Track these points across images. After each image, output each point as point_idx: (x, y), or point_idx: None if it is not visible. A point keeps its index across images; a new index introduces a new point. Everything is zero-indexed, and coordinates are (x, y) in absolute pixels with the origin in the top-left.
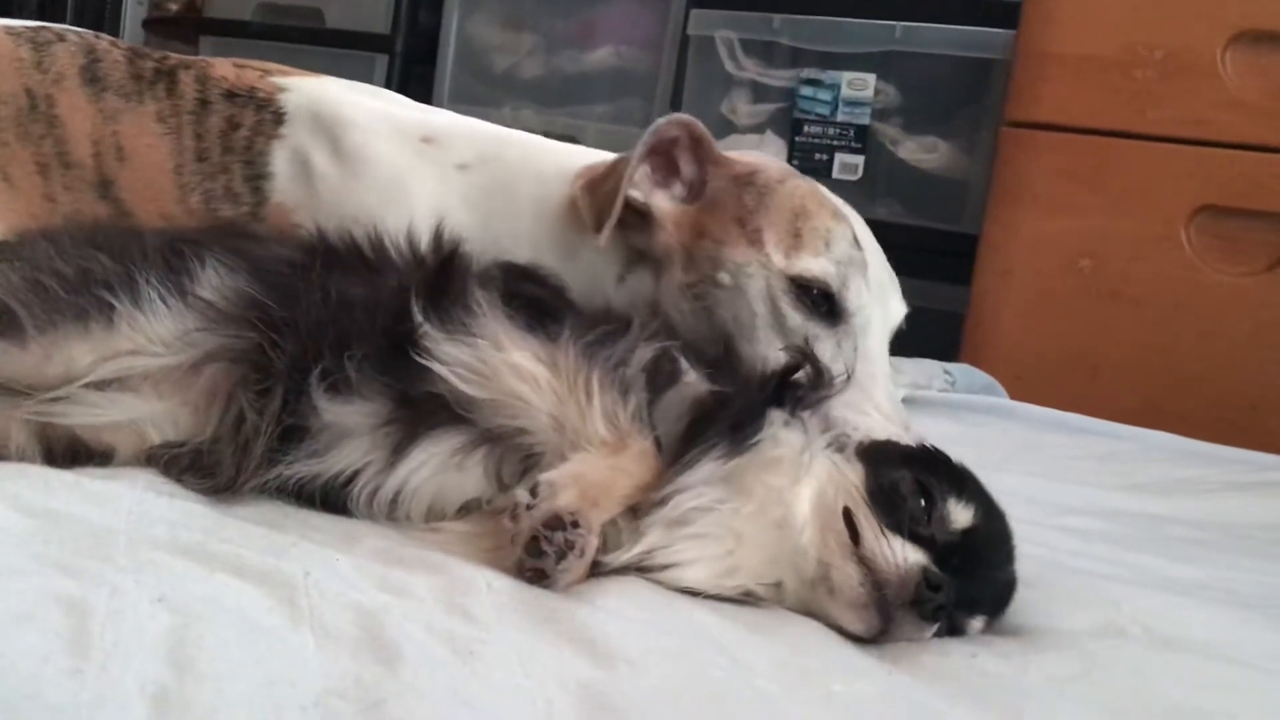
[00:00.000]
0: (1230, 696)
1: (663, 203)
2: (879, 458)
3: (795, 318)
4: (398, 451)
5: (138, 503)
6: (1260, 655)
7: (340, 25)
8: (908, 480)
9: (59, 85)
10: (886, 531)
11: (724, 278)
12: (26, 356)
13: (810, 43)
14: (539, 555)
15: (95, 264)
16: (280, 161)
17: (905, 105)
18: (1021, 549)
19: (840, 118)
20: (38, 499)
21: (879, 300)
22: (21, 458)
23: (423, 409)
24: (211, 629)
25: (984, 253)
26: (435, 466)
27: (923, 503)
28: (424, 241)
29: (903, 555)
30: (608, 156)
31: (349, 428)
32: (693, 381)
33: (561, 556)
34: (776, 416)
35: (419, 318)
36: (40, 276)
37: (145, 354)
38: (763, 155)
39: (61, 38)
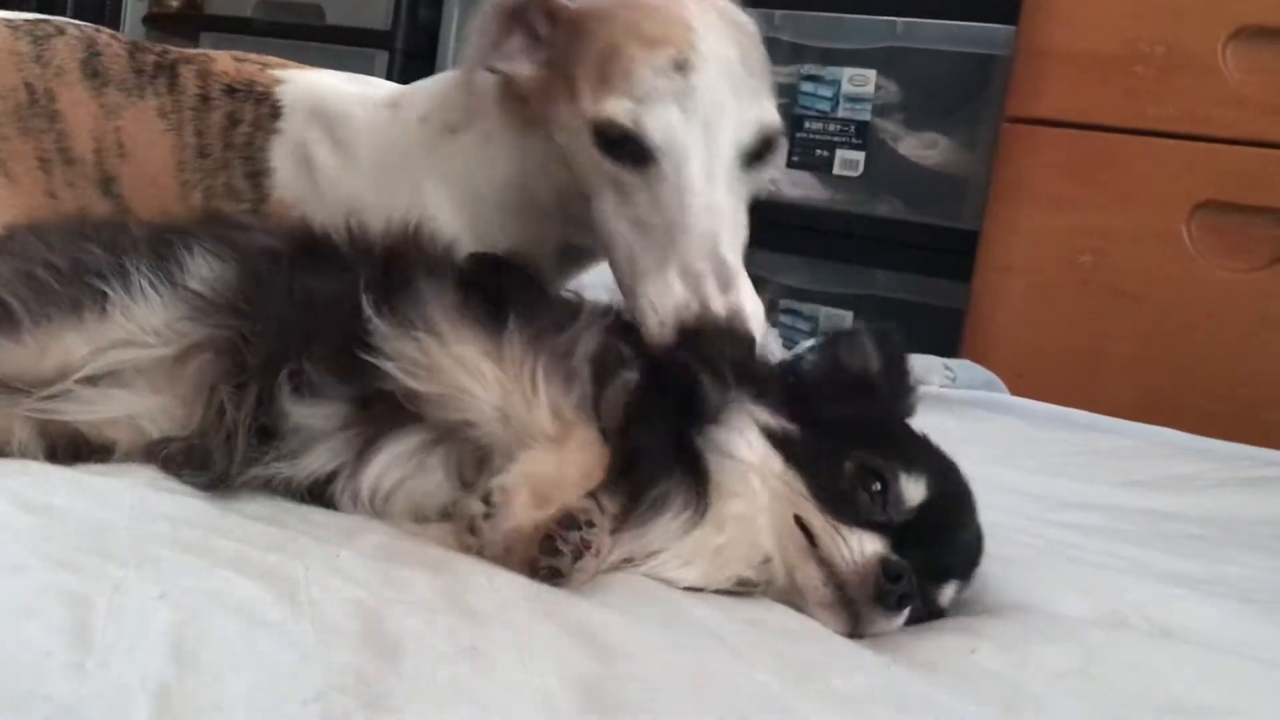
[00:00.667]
0: (1232, 690)
1: (521, 69)
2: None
3: (608, 166)
4: (362, 455)
5: (139, 499)
6: (1263, 649)
7: (340, 22)
8: (854, 467)
9: (59, 79)
10: (841, 527)
11: (559, 136)
12: (21, 350)
13: (811, 39)
14: (555, 554)
15: (87, 255)
16: (280, 157)
17: (906, 101)
18: (1022, 540)
19: (841, 114)
20: (39, 495)
21: (708, 125)
22: (24, 454)
23: (381, 409)
24: (213, 624)
25: (984, 248)
26: (400, 468)
27: (876, 487)
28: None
29: (859, 549)
30: None
31: (315, 430)
32: (634, 375)
33: (578, 556)
34: (720, 436)
35: (369, 312)
36: (33, 269)
37: (137, 344)
38: None
39: (61, 31)
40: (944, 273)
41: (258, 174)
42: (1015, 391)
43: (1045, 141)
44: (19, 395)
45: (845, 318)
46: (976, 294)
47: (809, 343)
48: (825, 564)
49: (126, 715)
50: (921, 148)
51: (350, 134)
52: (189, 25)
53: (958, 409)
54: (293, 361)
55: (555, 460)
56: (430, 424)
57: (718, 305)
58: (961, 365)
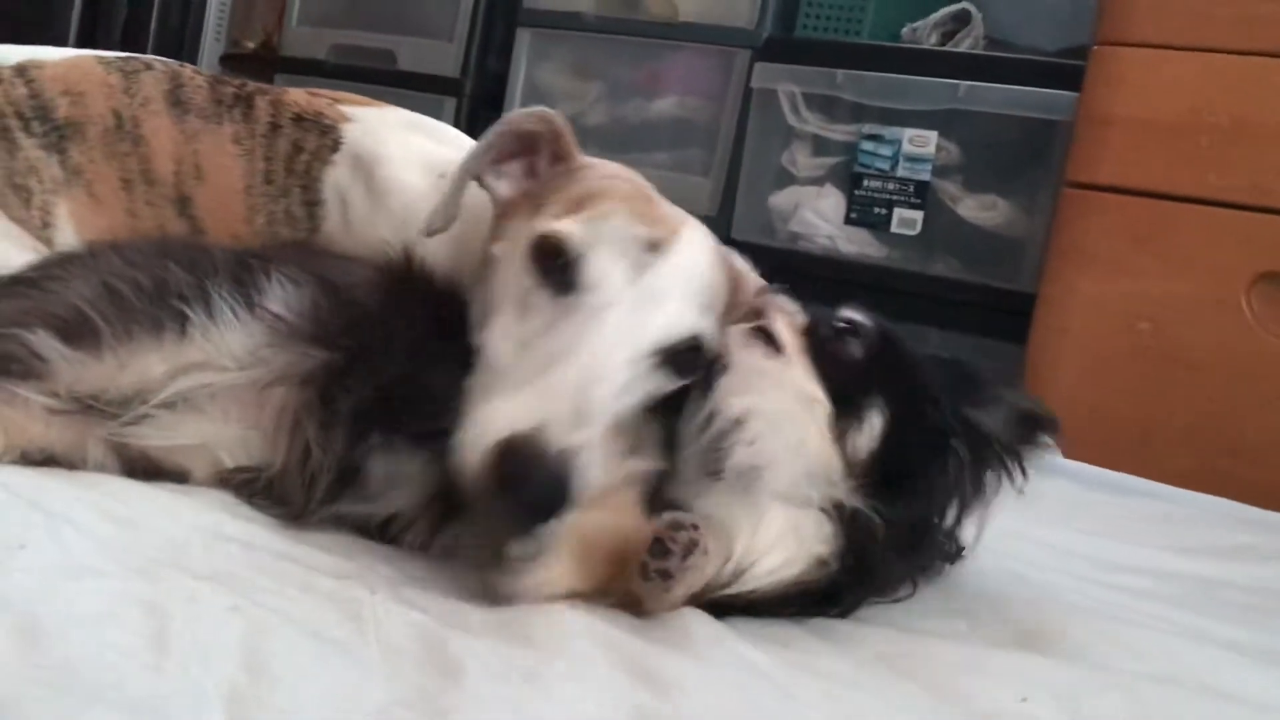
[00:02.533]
0: None
1: (502, 190)
2: None
3: (527, 279)
4: (439, 526)
5: (214, 521)
6: None
7: (412, 68)
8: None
9: (145, 108)
10: None
11: (495, 250)
12: (100, 366)
13: (873, 99)
14: (664, 555)
15: (169, 274)
16: (328, 190)
17: (966, 163)
18: (1072, 599)
19: (900, 173)
20: (119, 509)
21: (646, 302)
22: (99, 470)
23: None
24: (282, 638)
25: (1041, 312)
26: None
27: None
28: None
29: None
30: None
31: (398, 478)
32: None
33: (687, 554)
34: None
35: None
36: (117, 284)
37: (215, 368)
38: (624, 169)
39: (149, 66)
40: (1000, 334)
41: (313, 203)
42: (1069, 455)
43: (1105, 207)
44: (96, 417)
45: None
46: (1032, 357)
47: None
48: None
49: (201, 713)
50: (980, 209)
51: (386, 183)
52: (264, 66)
53: None
54: (386, 423)
55: (598, 522)
56: None
57: (553, 435)
58: None
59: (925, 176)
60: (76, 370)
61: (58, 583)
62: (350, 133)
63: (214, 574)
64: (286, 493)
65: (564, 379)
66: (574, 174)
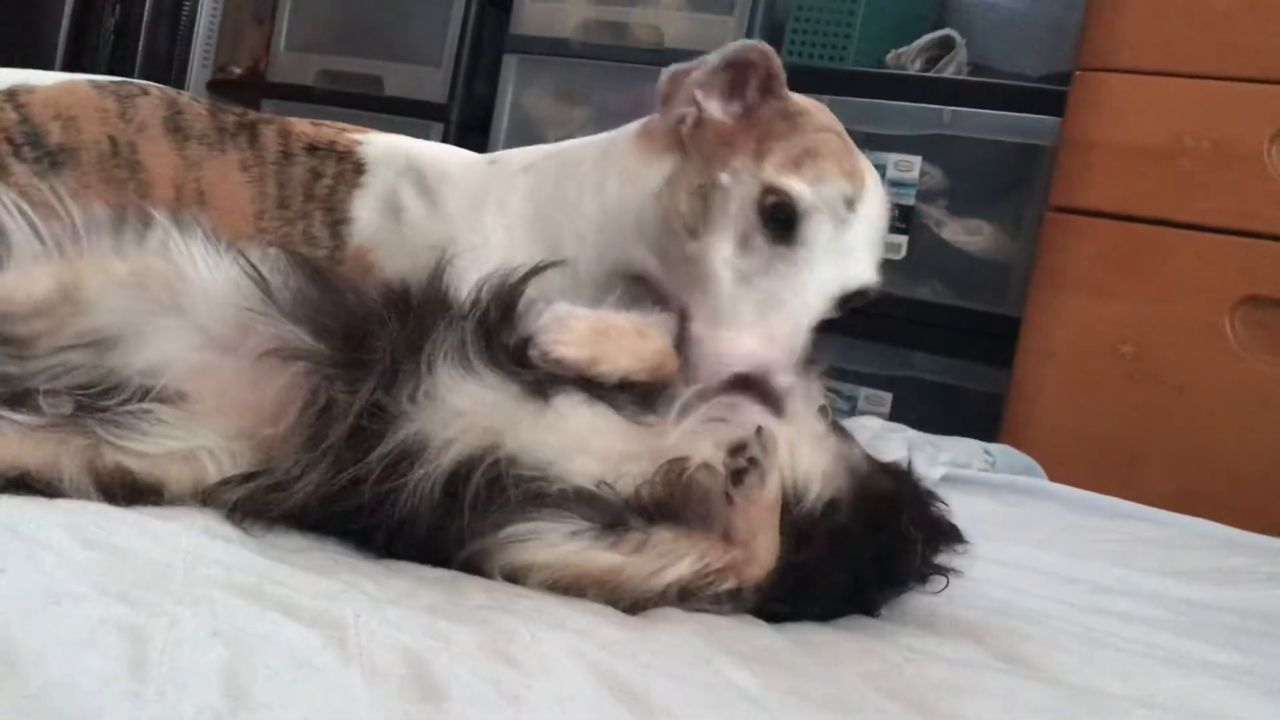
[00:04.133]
0: None
1: (715, 111)
2: None
3: (753, 220)
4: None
5: (194, 544)
6: None
7: (399, 93)
8: None
9: (142, 133)
10: None
11: (723, 178)
12: (62, 252)
13: (858, 124)
14: (741, 448)
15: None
16: (361, 207)
17: (950, 187)
18: (1058, 625)
19: None
20: (99, 533)
21: (842, 256)
22: (74, 491)
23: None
24: (264, 663)
25: (1026, 335)
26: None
27: None
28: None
29: None
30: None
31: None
32: None
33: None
34: None
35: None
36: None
37: (181, 277)
38: (828, 115)
39: (145, 91)
40: (985, 358)
41: (338, 223)
42: (1054, 478)
43: (1088, 231)
44: (74, 430)
45: (885, 399)
46: (1017, 380)
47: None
48: None
49: None
50: (965, 233)
51: (440, 182)
52: (251, 92)
53: (996, 492)
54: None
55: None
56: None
57: (777, 377)
58: (1001, 450)
59: (910, 201)
60: (36, 256)
61: (36, 608)
62: (369, 152)
63: (195, 598)
64: (292, 482)
65: (783, 326)
66: (792, 120)
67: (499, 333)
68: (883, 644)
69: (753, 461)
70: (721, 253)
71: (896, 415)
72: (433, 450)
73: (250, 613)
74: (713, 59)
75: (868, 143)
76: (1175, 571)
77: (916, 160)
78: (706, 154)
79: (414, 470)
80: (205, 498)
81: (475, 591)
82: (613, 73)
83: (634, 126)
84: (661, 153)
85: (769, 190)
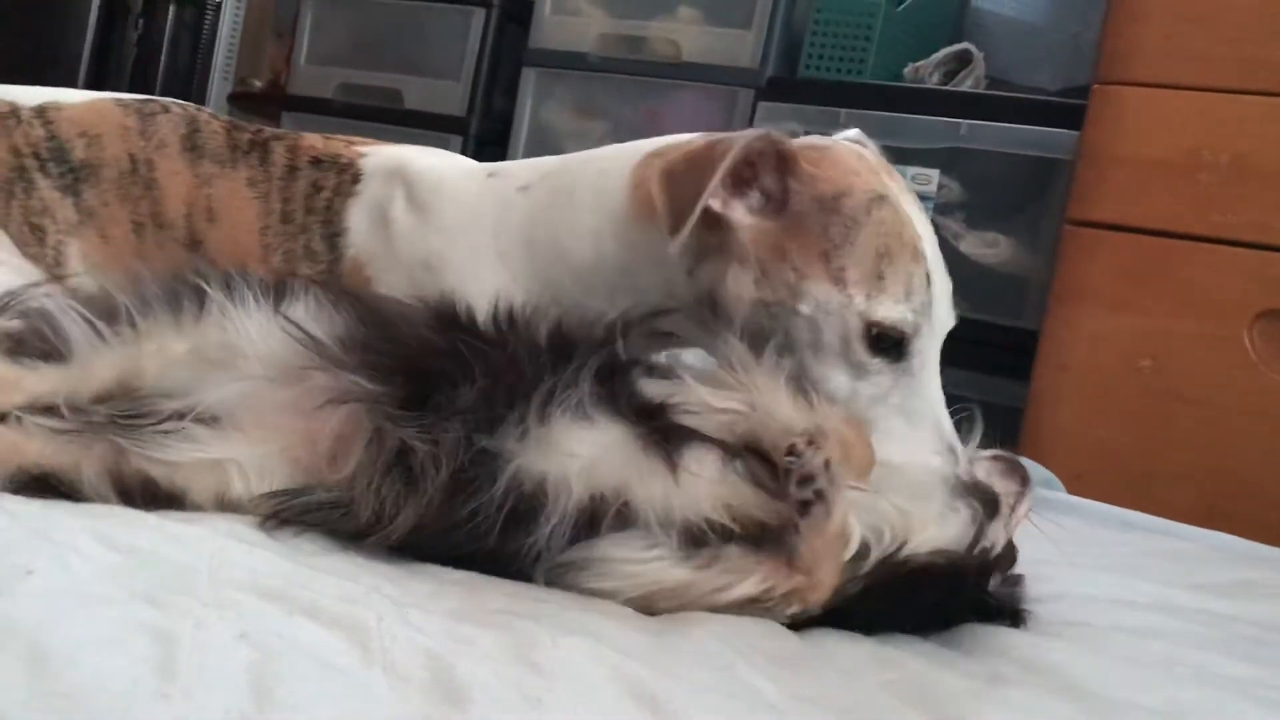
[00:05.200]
0: None
1: (741, 215)
2: None
3: (863, 354)
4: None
5: (219, 548)
6: None
7: (418, 106)
8: None
9: (160, 151)
10: None
11: (804, 308)
12: (121, 343)
13: (876, 137)
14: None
15: (193, 264)
16: (355, 217)
17: (968, 200)
18: (1077, 635)
19: None
20: (123, 537)
21: (937, 329)
22: (94, 493)
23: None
24: (289, 665)
25: (1044, 348)
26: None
27: None
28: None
29: None
30: (679, 139)
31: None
32: None
33: (819, 454)
34: None
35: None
36: (140, 270)
37: (239, 355)
38: (845, 151)
39: (166, 109)
40: (1002, 371)
41: (334, 235)
42: (1073, 492)
43: (1107, 245)
44: (100, 434)
45: None
46: (1035, 393)
47: None
48: None
49: None
50: (982, 246)
51: (430, 194)
52: (272, 105)
53: None
54: (548, 393)
55: (852, 434)
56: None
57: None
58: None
59: (927, 214)
60: (95, 346)
61: (66, 608)
62: (367, 163)
63: (220, 601)
64: (350, 505)
65: (932, 432)
66: (838, 209)
67: (618, 380)
68: (903, 653)
69: (819, 494)
70: (836, 381)
71: None
72: (556, 493)
73: (275, 615)
74: (723, 165)
75: (886, 156)
76: (1195, 584)
77: (934, 173)
78: (755, 261)
79: (540, 516)
80: (228, 507)
81: (496, 595)
82: (631, 86)
83: (625, 169)
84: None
85: (872, 324)
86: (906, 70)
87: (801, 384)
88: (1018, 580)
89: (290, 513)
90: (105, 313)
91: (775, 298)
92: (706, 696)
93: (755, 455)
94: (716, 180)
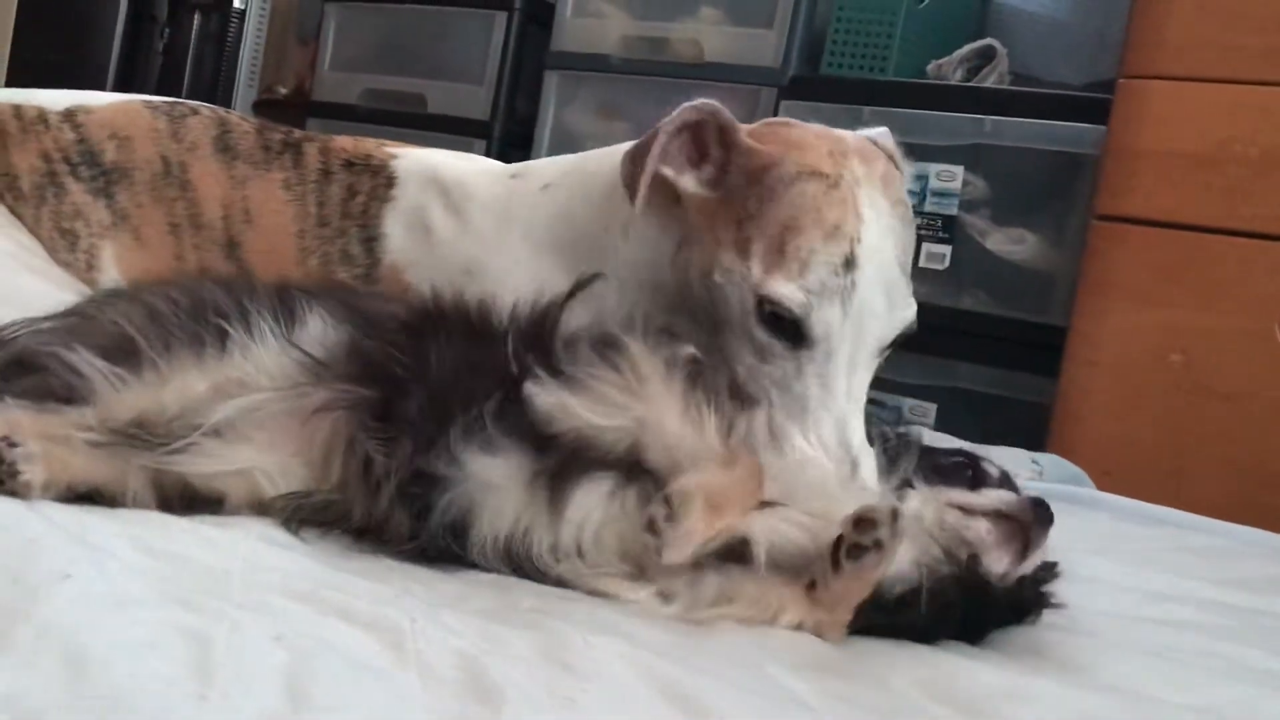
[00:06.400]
0: None
1: (689, 184)
2: None
3: (760, 334)
4: (555, 505)
5: (251, 551)
6: None
7: (442, 111)
8: None
9: (193, 153)
10: None
11: (716, 277)
12: (141, 385)
13: (899, 134)
14: (871, 528)
15: (207, 293)
16: (392, 223)
17: (993, 197)
18: (1113, 634)
19: (928, 208)
20: (158, 542)
21: (859, 324)
22: (136, 504)
23: (558, 459)
24: (324, 666)
25: (1072, 344)
26: (600, 510)
27: None
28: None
29: None
30: None
31: (493, 484)
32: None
33: (894, 519)
34: None
35: (539, 370)
36: (156, 304)
37: (254, 387)
38: (806, 132)
39: (196, 112)
40: (1031, 367)
41: (371, 240)
42: (1102, 488)
43: (1135, 240)
44: (138, 448)
45: (929, 410)
46: (1064, 390)
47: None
48: None
49: None
50: (1009, 243)
51: (465, 200)
52: (296, 111)
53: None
54: (468, 413)
55: (726, 478)
56: (613, 465)
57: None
58: (1049, 460)
59: (953, 211)
60: (117, 389)
61: (103, 612)
62: (400, 166)
63: (255, 604)
64: (346, 511)
65: (829, 430)
66: (760, 182)
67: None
68: (934, 650)
69: (878, 544)
70: (742, 359)
71: (942, 426)
72: (479, 520)
73: (309, 617)
74: (664, 129)
75: (909, 153)
76: (1228, 580)
77: (959, 170)
78: (701, 233)
79: (470, 535)
80: (263, 509)
81: (527, 596)
82: (653, 88)
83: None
84: (664, 213)
85: (763, 300)
86: (929, 67)
87: (698, 395)
88: (1051, 567)
89: (305, 512)
90: (124, 355)
91: (706, 268)
92: (738, 694)
93: (648, 474)
94: (659, 147)
